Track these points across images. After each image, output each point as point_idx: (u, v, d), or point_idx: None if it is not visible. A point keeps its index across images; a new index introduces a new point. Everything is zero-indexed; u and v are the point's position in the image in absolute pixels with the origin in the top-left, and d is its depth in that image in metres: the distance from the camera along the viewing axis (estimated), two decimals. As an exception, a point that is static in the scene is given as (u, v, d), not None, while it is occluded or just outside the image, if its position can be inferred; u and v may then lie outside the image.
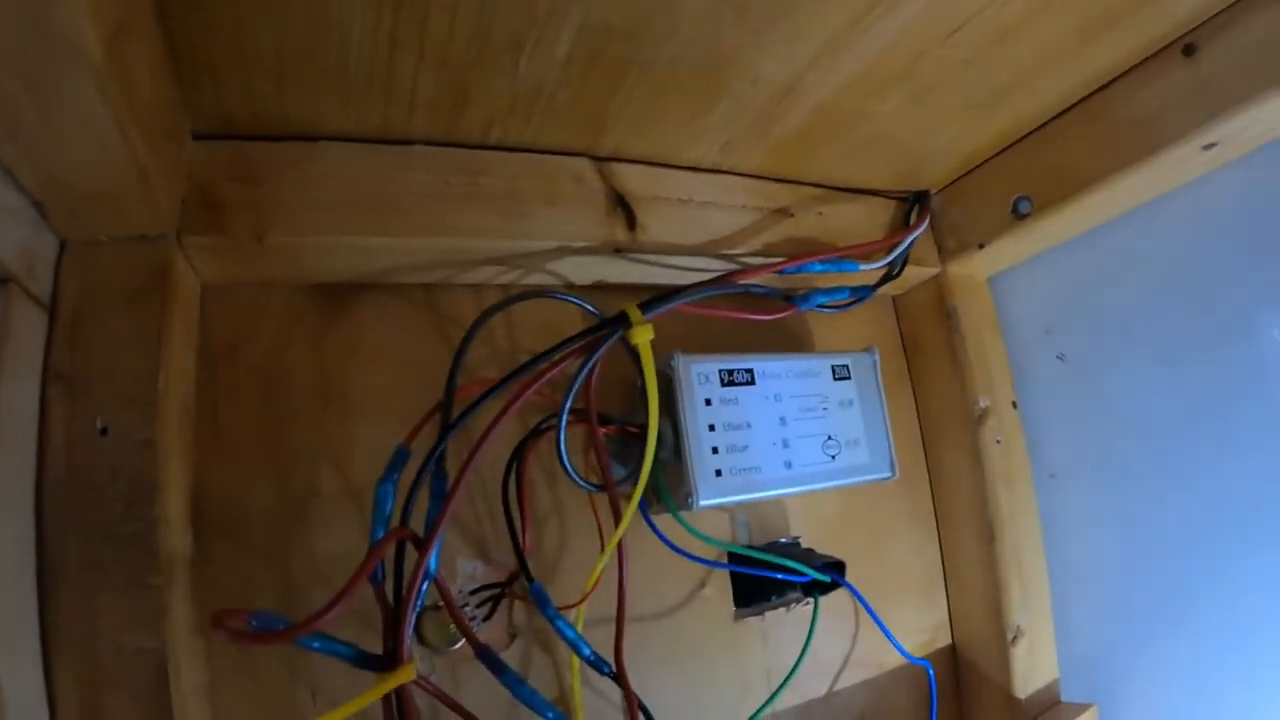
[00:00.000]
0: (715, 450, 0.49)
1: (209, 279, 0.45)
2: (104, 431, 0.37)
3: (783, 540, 0.58)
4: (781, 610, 0.57)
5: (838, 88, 0.46)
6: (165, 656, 0.36)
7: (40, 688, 0.34)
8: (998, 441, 0.63)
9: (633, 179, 0.50)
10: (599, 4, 0.36)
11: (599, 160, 0.49)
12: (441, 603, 0.43)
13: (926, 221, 0.61)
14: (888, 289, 0.62)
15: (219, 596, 0.42)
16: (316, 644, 0.35)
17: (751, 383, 0.52)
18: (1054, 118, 0.56)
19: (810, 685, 0.58)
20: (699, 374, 0.50)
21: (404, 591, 0.38)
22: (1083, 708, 0.62)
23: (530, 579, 0.45)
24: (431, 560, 0.38)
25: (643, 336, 0.44)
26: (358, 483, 0.47)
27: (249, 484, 0.45)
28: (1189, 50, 0.48)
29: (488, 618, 0.48)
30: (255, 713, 0.42)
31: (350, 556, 0.45)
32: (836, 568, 0.54)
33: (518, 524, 0.47)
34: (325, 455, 0.46)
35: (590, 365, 0.43)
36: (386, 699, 0.37)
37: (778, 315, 0.53)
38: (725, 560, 0.55)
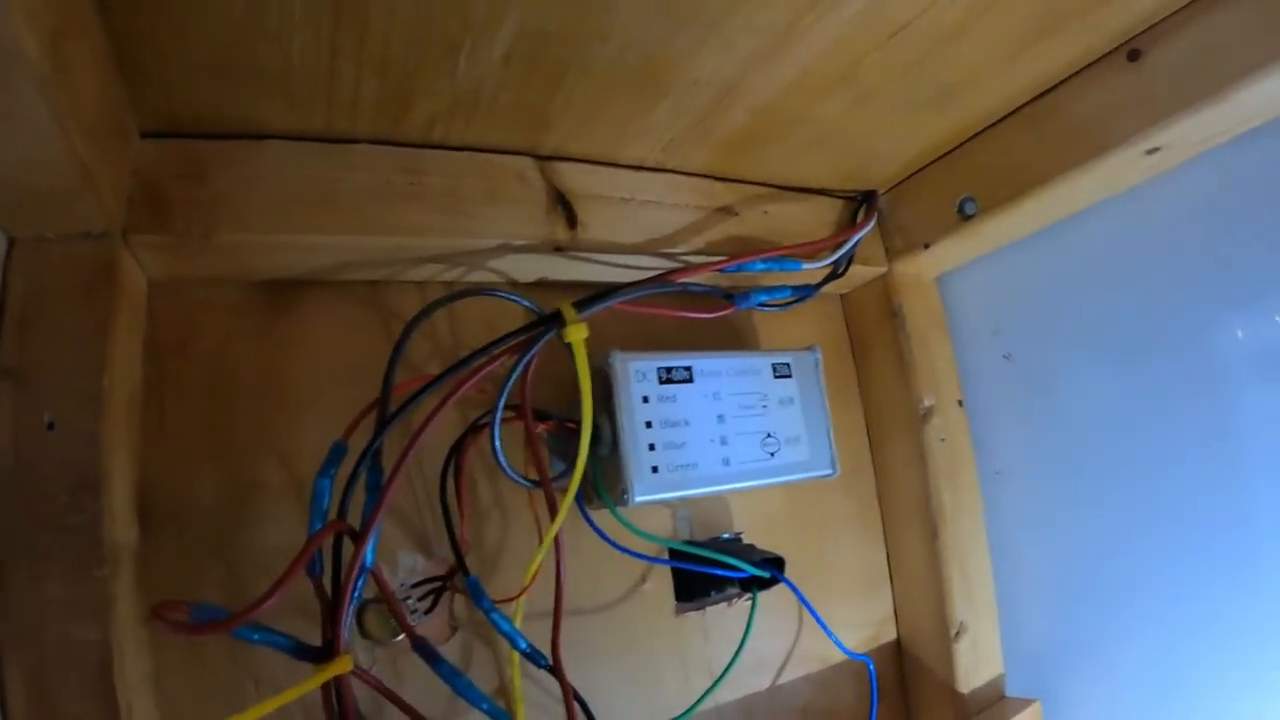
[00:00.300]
0: (652, 447, 0.50)
1: (155, 275, 0.45)
2: (50, 426, 0.38)
3: (725, 536, 0.60)
4: (723, 605, 0.58)
5: (779, 89, 0.47)
6: (110, 648, 0.37)
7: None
8: (942, 440, 0.65)
9: (574, 177, 0.51)
10: (534, 9, 0.37)
11: (541, 159, 0.50)
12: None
13: (873, 221, 0.63)
14: (834, 288, 0.64)
15: (165, 588, 0.42)
16: (256, 636, 0.36)
17: (690, 380, 0.53)
18: (999, 120, 0.57)
19: (753, 680, 0.59)
20: (636, 371, 0.51)
21: (341, 583, 0.39)
22: (1026, 703, 0.64)
23: (466, 572, 0.46)
24: (368, 553, 0.40)
25: (576, 335, 0.45)
26: (302, 476, 0.47)
27: (194, 477, 0.45)
28: (1133, 55, 0.49)
29: (429, 611, 0.50)
30: (200, 701, 0.43)
31: (294, 549, 0.43)
32: (775, 564, 0.55)
33: (455, 518, 0.48)
34: (270, 449, 0.47)
35: (525, 362, 0.45)
36: (325, 689, 0.38)
37: (717, 314, 0.54)
38: (666, 556, 0.56)
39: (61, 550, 0.37)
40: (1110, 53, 0.50)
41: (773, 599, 0.59)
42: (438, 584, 0.49)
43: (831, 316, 0.72)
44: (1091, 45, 0.49)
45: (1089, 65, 0.51)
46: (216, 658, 0.44)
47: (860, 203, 0.64)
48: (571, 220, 0.50)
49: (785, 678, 0.61)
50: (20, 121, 0.30)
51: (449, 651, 0.50)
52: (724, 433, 0.53)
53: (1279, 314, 0.51)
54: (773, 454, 0.55)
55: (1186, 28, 0.46)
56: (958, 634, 0.62)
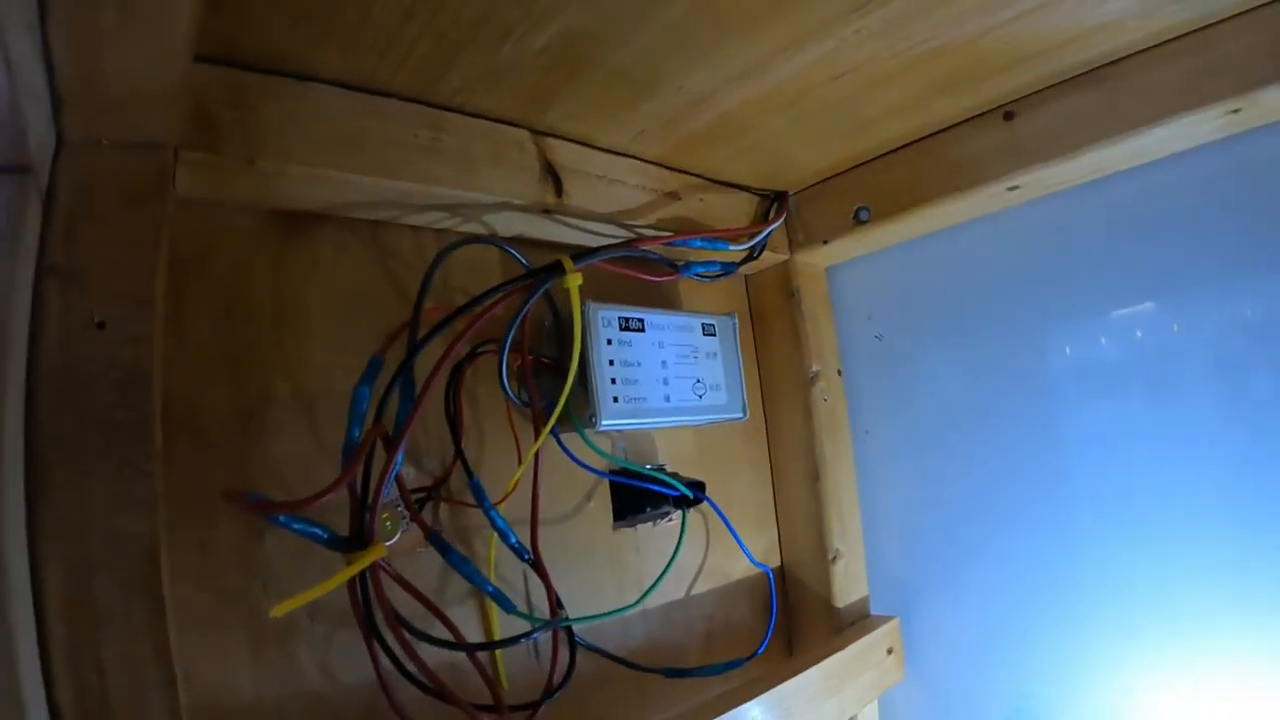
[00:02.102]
0: (614, 381, 0.62)
1: (184, 193, 0.49)
2: (101, 325, 0.40)
3: (652, 466, 0.73)
4: (650, 524, 0.71)
5: (740, 103, 0.61)
6: (157, 540, 0.39)
7: (25, 574, 0.36)
8: (825, 400, 0.82)
9: (562, 153, 0.62)
10: (583, 12, 0.47)
11: (537, 134, 0.61)
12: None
13: (784, 217, 0.78)
14: (746, 268, 0.79)
15: (181, 492, 0.46)
16: (297, 525, 0.43)
17: (642, 330, 0.65)
18: (897, 149, 0.74)
19: (672, 590, 0.73)
20: (604, 318, 0.63)
21: (374, 482, 0.47)
22: (887, 618, 0.82)
23: (471, 474, 0.56)
24: (399, 456, 0.48)
25: (574, 282, 0.56)
26: (309, 393, 0.54)
27: (210, 388, 0.50)
28: (1009, 115, 0.67)
29: (414, 520, 0.59)
30: (213, 603, 0.48)
31: (301, 460, 0.53)
32: (699, 487, 0.69)
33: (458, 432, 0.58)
34: (280, 366, 0.54)
35: (531, 302, 0.56)
36: (351, 582, 0.46)
37: (664, 279, 0.68)
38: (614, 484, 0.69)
39: (108, 447, 0.39)
40: (990, 111, 0.68)
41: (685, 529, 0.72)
42: (424, 493, 0.59)
43: (735, 293, 0.87)
44: (978, 103, 0.67)
45: (973, 118, 0.69)
46: (228, 562, 0.49)
47: (774, 200, 0.80)
48: (559, 189, 0.61)
49: (696, 589, 0.75)
50: (155, 29, 0.33)
51: (430, 556, 0.58)
52: (666, 375, 0.66)
53: (1103, 336, 0.70)
54: (700, 396, 0.68)
55: (1052, 101, 0.65)
56: (834, 559, 0.79)
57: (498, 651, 0.60)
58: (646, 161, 0.69)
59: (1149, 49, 0.60)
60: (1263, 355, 0.63)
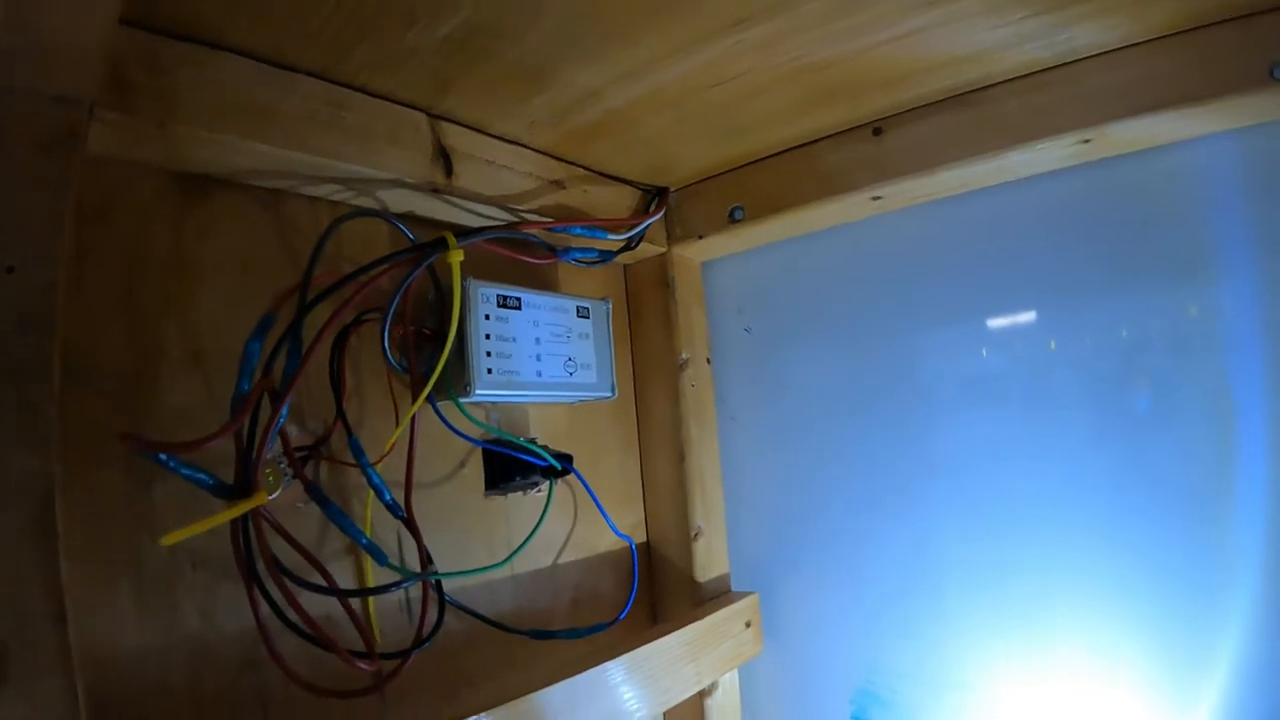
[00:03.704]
0: (489, 354, 0.69)
1: (95, 149, 0.52)
2: (10, 270, 0.43)
3: (524, 439, 0.80)
4: (520, 494, 0.78)
5: (628, 101, 0.68)
6: (52, 479, 0.42)
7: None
8: (693, 386, 0.91)
9: (456, 137, 0.69)
10: (486, 6, 0.53)
11: (434, 117, 0.67)
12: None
13: (663, 211, 0.86)
14: (624, 257, 0.86)
15: (71, 437, 0.48)
16: (185, 470, 0.48)
17: (519, 308, 0.72)
18: (772, 155, 0.84)
19: (540, 557, 0.80)
20: (483, 295, 0.69)
21: (259, 434, 0.52)
22: (747, 594, 0.91)
23: (351, 434, 0.62)
24: (284, 409, 0.53)
25: (455, 258, 0.63)
26: (200, 349, 0.58)
27: (105, 340, 0.54)
28: (877, 131, 0.77)
29: (296, 475, 0.64)
30: (98, 548, 0.52)
31: (191, 414, 0.57)
32: (567, 459, 0.76)
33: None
34: (173, 321, 0.57)
35: (414, 274, 0.62)
36: (234, 525, 0.52)
37: (542, 261, 0.76)
38: (486, 453, 0.75)
39: (7, 386, 0.42)
40: (861, 126, 0.78)
41: (555, 495, 0.79)
42: (305, 452, 0.64)
43: (613, 281, 0.95)
44: (850, 118, 0.77)
45: (844, 131, 0.79)
46: (115, 507, 0.53)
47: (654, 195, 0.88)
48: (449, 170, 0.67)
49: (563, 559, 0.82)
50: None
51: (308, 513, 0.63)
52: (539, 352, 0.73)
53: (971, 346, 0.81)
54: (571, 374, 0.76)
55: (919, 121, 0.75)
56: (696, 535, 0.88)
57: (371, 607, 0.65)
58: (535, 150, 0.76)
59: (1013, 79, 0.70)
60: (1133, 374, 0.73)
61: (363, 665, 0.56)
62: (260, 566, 0.53)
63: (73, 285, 0.51)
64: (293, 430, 0.63)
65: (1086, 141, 0.69)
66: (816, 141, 0.81)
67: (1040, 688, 0.76)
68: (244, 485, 0.52)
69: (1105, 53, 0.66)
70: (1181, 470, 0.71)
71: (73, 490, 0.49)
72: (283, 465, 0.62)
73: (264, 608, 0.54)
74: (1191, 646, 0.70)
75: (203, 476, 0.50)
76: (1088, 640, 0.74)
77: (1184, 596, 0.70)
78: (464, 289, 0.68)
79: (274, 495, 0.60)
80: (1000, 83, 0.70)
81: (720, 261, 0.97)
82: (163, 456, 0.48)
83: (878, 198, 0.79)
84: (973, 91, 0.72)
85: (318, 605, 0.56)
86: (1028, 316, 0.79)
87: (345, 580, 0.64)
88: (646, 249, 0.89)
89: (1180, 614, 0.70)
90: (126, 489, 0.54)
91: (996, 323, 0.80)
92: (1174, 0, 0.59)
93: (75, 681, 0.42)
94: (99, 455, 0.52)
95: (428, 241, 0.62)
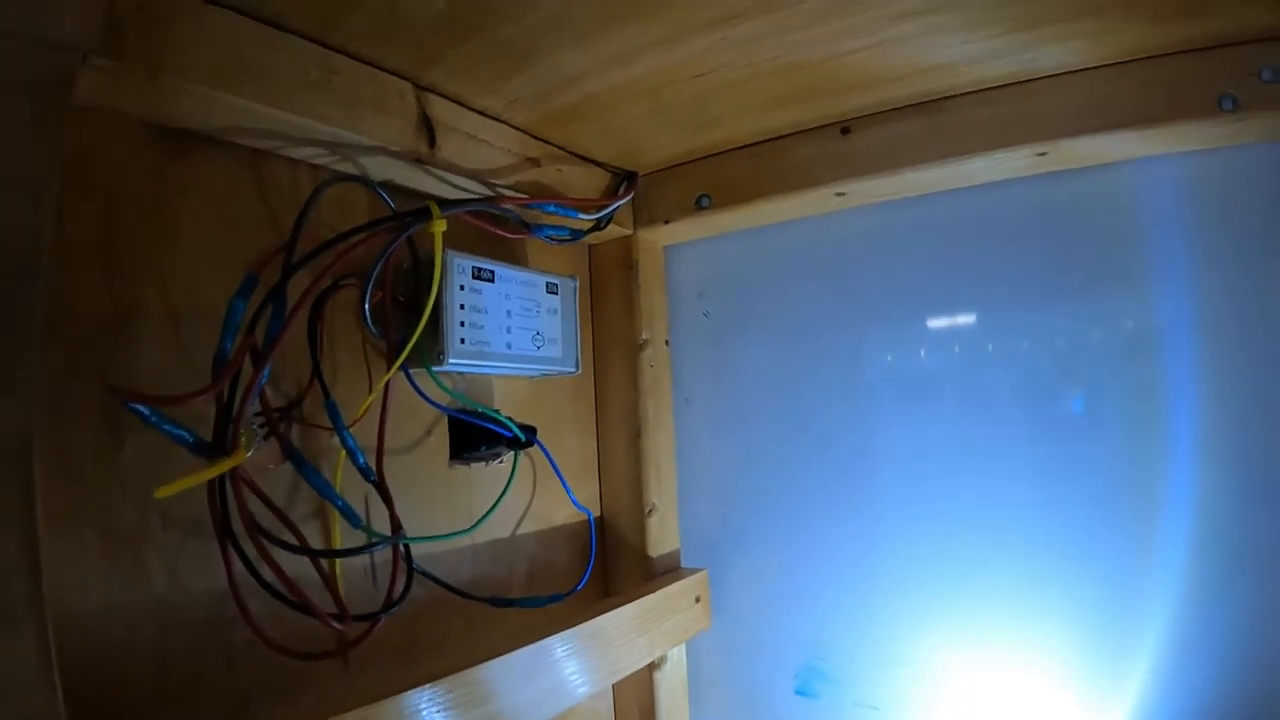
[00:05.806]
0: (463, 324, 0.71)
1: (83, 98, 0.51)
2: None
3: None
4: (484, 464, 0.81)
5: (608, 87, 0.71)
6: (30, 429, 0.42)
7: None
8: (651, 366, 0.95)
9: (440, 109, 0.71)
10: None
11: (420, 88, 0.69)
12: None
13: (631, 195, 0.89)
14: (592, 238, 0.90)
15: (48, 388, 0.50)
16: (166, 426, 0.50)
17: (493, 281, 0.75)
18: (741, 147, 0.88)
19: (499, 529, 0.83)
20: (459, 266, 0.71)
21: (240, 393, 0.54)
22: (697, 570, 0.96)
23: (328, 396, 0.63)
24: (266, 369, 0.55)
25: (439, 228, 0.65)
26: (176, 305, 0.59)
27: (82, 291, 0.54)
28: (845, 130, 0.82)
29: (268, 436, 0.65)
30: (70, 502, 0.52)
31: (166, 371, 0.58)
32: (531, 431, 0.79)
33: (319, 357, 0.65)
34: (151, 275, 0.58)
35: (398, 241, 0.64)
36: (211, 485, 0.53)
37: (516, 236, 0.78)
38: (452, 422, 0.77)
39: None
40: (830, 124, 0.82)
41: (516, 469, 0.82)
42: (280, 414, 0.65)
43: (579, 259, 0.99)
44: (820, 116, 0.81)
45: (814, 129, 0.83)
46: (89, 462, 0.53)
47: (624, 179, 0.91)
48: (432, 141, 0.69)
49: (521, 530, 0.85)
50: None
51: (281, 473, 0.64)
52: (510, 325, 0.76)
53: (921, 345, 0.86)
54: (539, 348, 0.79)
55: (886, 123, 0.80)
56: (650, 512, 0.92)
57: (339, 572, 0.67)
58: (514, 128, 0.78)
59: (977, 91, 0.75)
60: (1069, 381, 0.80)
61: (338, 626, 0.58)
62: (237, 526, 0.55)
63: (54, 234, 0.50)
64: (268, 393, 0.65)
65: (1043, 154, 0.75)
66: (786, 136, 0.85)
67: (974, 663, 0.82)
68: (223, 443, 0.53)
69: (1066, 73, 0.72)
70: (1111, 471, 0.77)
71: (47, 442, 0.48)
72: (255, 426, 0.63)
73: (238, 567, 0.55)
74: (1115, 638, 0.76)
75: (183, 433, 0.51)
76: (1017, 627, 0.81)
77: (1109, 591, 0.77)
78: (443, 258, 0.69)
79: (249, 455, 0.62)
80: (967, 93, 0.76)
81: (683, 246, 1.01)
82: (145, 410, 0.49)
83: (842, 194, 0.84)
84: (938, 99, 0.77)
85: (287, 567, 0.57)
86: (968, 319, 0.84)
87: (314, 543, 0.65)
88: (614, 230, 0.92)
89: (1105, 607, 0.77)
90: (101, 443, 0.54)
91: (936, 323, 0.86)
92: (1134, 30, 0.65)
93: (49, 635, 0.42)
94: (73, 409, 0.53)
95: (410, 210, 0.64)
